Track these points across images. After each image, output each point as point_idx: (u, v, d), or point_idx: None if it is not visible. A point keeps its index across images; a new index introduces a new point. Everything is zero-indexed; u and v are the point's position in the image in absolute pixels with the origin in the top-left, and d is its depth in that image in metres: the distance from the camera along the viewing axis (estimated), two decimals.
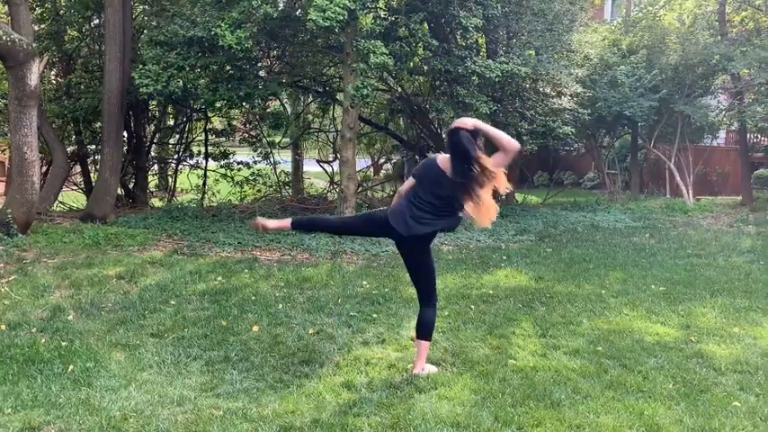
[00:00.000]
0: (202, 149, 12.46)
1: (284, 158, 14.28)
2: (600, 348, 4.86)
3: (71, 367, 4.25)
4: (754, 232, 9.98)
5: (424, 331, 4.27)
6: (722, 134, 16.65)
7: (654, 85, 12.81)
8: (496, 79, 9.18)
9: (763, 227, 10.33)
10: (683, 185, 13.65)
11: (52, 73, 12.09)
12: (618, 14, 17.85)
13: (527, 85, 10.84)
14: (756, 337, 5.21)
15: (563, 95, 11.08)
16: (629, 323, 5.49)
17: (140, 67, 8.69)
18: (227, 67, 9.42)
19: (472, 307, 5.86)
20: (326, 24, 7.82)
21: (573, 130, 11.53)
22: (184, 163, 12.73)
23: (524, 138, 12.14)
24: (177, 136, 12.87)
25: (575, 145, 16.65)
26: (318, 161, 14.37)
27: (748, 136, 14.43)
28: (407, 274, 6.83)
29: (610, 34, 14.44)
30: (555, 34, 10.86)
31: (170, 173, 13.21)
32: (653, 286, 6.66)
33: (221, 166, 12.32)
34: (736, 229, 10.38)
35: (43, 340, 4.73)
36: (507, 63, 9.27)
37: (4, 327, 4.97)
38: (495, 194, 3.94)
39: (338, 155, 10.73)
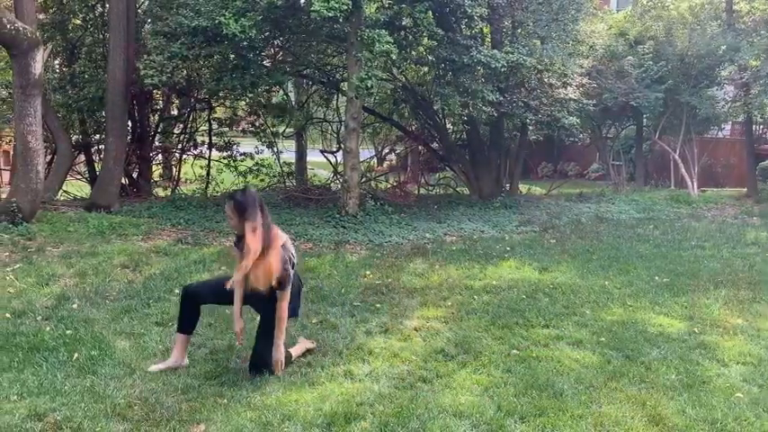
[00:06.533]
0: (206, 139, 12.45)
1: (288, 149, 14.24)
2: (603, 339, 4.86)
3: (76, 355, 4.28)
4: (758, 224, 9.94)
5: None
6: (728, 126, 16.55)
7: (660, 76, 12.74)
8: (502, 69, 9.13)
9: None
10: (687, 177, 13.60)
11: (56, 62, 12.05)
12: (625, 4, 17.70)
13: (532, 76, 10.78)
14: (760, 328, 5.20)
15: (568, 86, 11.02)
16: (632, 314, 5.49)
17: (145, 57, 8.67)
18: (232, 57, 9.39)
19: (475, 297, 5.86)
20: (330, 14, 7.79)
21: (578, 120, 11.46)
22: (188, 153, 12.73)
23: (530, 128, 12.11)
24: (181, 126, 12.85)
25: (579, 136, 16.57)
26: (322, 151, 14.33)
27: (754, 128, 14.33)
28: (411, 264, 6.89)
29: (616, 23, 14.33)
30: (560, 24, 10.77)
31: (174, 162, 13.20)
32: (657, 277, 6.65)
33: (224, 158, 12.31)
34: (740, 221, 10.35)
35: (48, 328, 4.76)
36: (512, 53, 9.20)
37: (9, 315, 4.99)
38: None
39: (342, 145, 10.71)
